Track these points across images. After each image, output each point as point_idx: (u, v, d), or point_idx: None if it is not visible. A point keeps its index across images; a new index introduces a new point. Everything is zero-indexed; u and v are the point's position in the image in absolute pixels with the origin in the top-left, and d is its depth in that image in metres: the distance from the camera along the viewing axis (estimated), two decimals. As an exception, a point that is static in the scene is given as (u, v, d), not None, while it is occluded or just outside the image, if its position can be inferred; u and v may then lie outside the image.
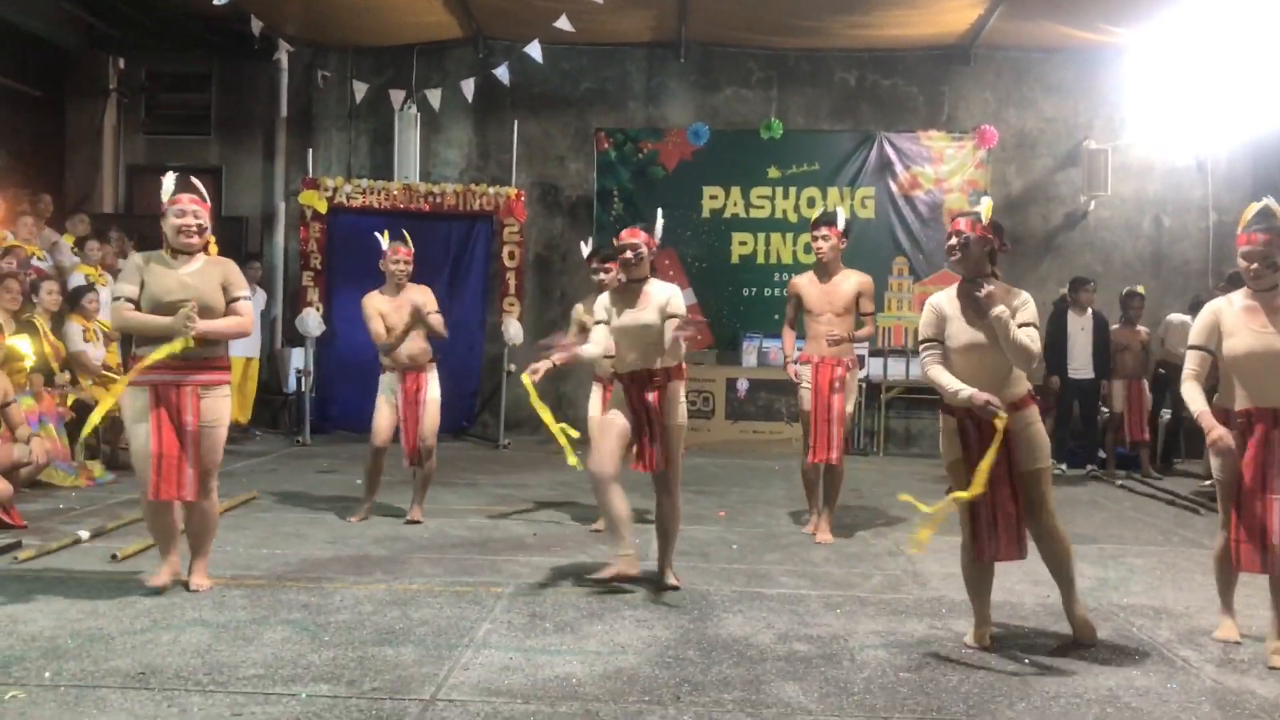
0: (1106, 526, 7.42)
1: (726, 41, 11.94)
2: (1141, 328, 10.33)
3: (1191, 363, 4.38)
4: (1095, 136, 11.87)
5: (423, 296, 6.83)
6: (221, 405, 4.93)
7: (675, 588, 5.21)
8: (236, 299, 4.96)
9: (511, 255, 11.49)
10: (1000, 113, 12.05)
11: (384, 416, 6.88)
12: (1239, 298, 4.31)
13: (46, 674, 3.79)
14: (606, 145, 12.13)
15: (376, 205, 11.23)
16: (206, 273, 4.89)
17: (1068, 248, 12.02)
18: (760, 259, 12.09)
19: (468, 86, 11.42)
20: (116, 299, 4.84)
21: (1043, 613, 5.00)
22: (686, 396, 5.41)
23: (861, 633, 4.59)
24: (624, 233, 5.27)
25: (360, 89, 11.71)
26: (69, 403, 8.14)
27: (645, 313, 5.12)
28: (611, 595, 5.08)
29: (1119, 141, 11.83)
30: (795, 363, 6.72)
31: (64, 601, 4.72)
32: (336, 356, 11.35)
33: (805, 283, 6.73)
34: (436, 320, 6.79)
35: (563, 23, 9.99)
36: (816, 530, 6.67)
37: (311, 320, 11.04)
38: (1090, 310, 10.05)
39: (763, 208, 12.09)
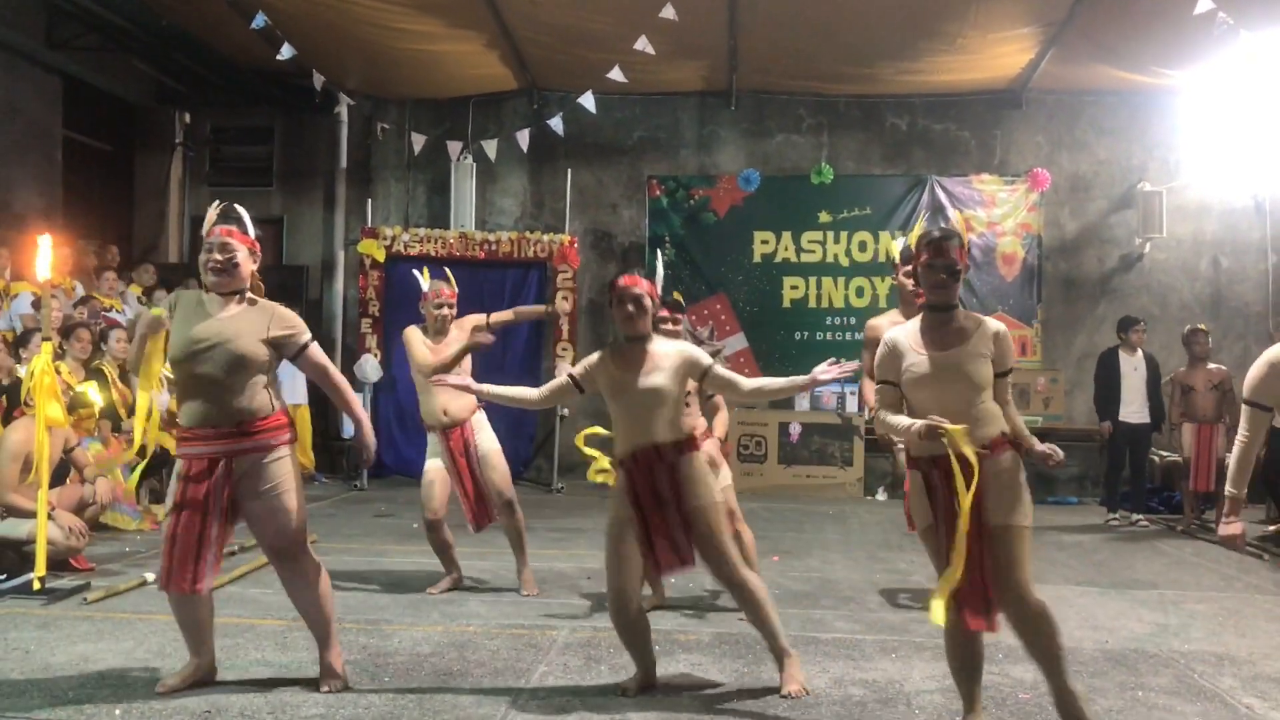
0: (1167, 572, 7.32)
1: (777, 89, 12.07)
2: (1215, 366, 9.69)
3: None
4: (1150, 178, 11.80)
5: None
6: (277, 468, 4.12)
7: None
8: (305, 345, 4.21)
9: (565, 300, 11.63)
10: (1053, 156, 12.04)
11: (434, 484, 6.06)
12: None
13: (117, 711, 3.90)
14: (659, 192, 12.28)
15: (433, 253, 11.42)
16: (247, 318, 4.14)
17: (1124, 290, 11.93)
18: (812, 303, 12.12)
19: (523, 137, 11.63)
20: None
21: (1102, 658, 4.95)
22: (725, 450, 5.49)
23: (917, 677, 4.58)
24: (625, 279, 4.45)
25: (418, 140, 11.98)
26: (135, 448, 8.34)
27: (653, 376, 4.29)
28: (666, 639, 5.11)
29: (1174, 183, 11.76)
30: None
31: (131, 642, 4.84)
32: (394, 402, 11.52)
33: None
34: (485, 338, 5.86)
35: (615, 74, 10.16)
36: None
37: (370, 366, 11.23)
38: (1141, 351, 9.87)
39: (814, 252, 12.14)
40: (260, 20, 9.19)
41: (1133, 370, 9.75)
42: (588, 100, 10.92)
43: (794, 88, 12.01)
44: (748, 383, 4.44)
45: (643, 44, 9.50)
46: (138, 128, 12.88)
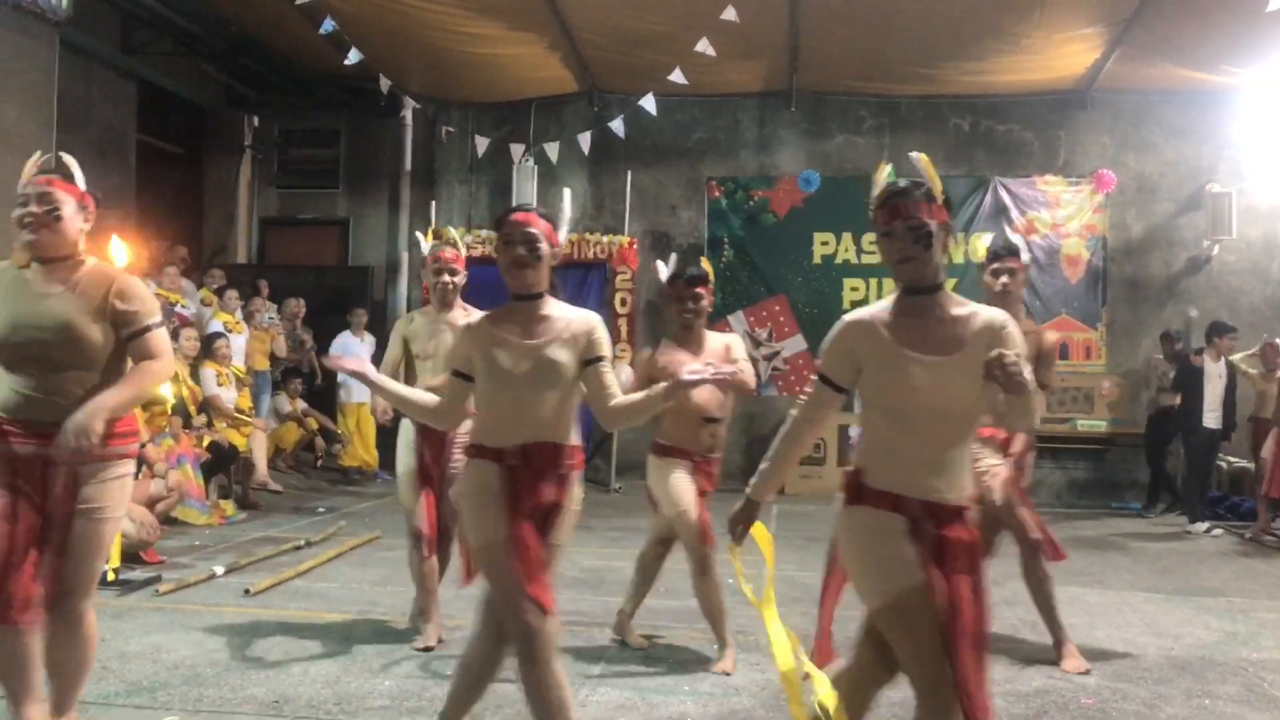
0: (1235, 580, 7.19)
1: (837, 90, 12.02)
2: None
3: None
4: (1219, 179, 11.57)
5: None
6: (106, 490, 3.19)
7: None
8: (144, 329, 3.26)
9: (624, 302, 11.69)
10: (1119, 156, 11.85)
11: (412, 489, 4.93)
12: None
13: (190, 698, 4.00)
14: (718, 193, 12.29)
15: (496, 255, 11.51)
16: (80, 294, 3.21)
17: (1191, 293, 11.71)
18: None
19: (583, 139, 11.71)
20: None
21: (1166, 664, 4.89)
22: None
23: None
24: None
25: (481, 143, 12.11)
26: (204, 444, 8.54)
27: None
28: (695, 659, 5.11)
29: (1244, 184, 11.51)
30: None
31: (201, 633, 4.96)
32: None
33: None
34: None
35: (676, 76, 10.20)
36: None
37: (431, 366, 11.36)
38: (1224, 358, 9.66)
39: (874, 253, 12.05)
40: (328, 26, 9.35)
41: (1217, 376, 9.54)
42: (649, 102, 10.96)
43: (854, 88, 11.95)
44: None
45: (704, 45, 9.52)
46: (208, 131, 13.15)
